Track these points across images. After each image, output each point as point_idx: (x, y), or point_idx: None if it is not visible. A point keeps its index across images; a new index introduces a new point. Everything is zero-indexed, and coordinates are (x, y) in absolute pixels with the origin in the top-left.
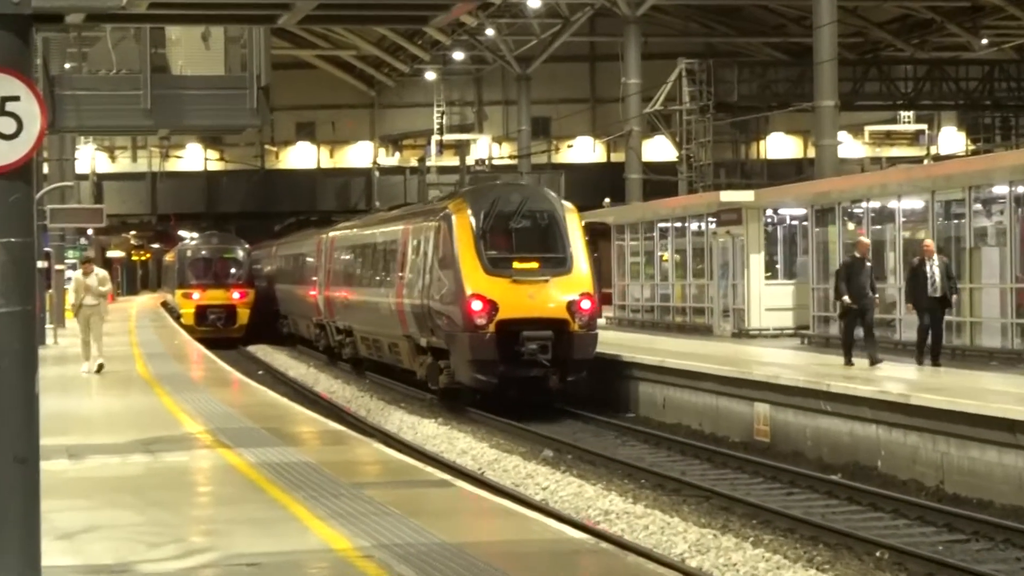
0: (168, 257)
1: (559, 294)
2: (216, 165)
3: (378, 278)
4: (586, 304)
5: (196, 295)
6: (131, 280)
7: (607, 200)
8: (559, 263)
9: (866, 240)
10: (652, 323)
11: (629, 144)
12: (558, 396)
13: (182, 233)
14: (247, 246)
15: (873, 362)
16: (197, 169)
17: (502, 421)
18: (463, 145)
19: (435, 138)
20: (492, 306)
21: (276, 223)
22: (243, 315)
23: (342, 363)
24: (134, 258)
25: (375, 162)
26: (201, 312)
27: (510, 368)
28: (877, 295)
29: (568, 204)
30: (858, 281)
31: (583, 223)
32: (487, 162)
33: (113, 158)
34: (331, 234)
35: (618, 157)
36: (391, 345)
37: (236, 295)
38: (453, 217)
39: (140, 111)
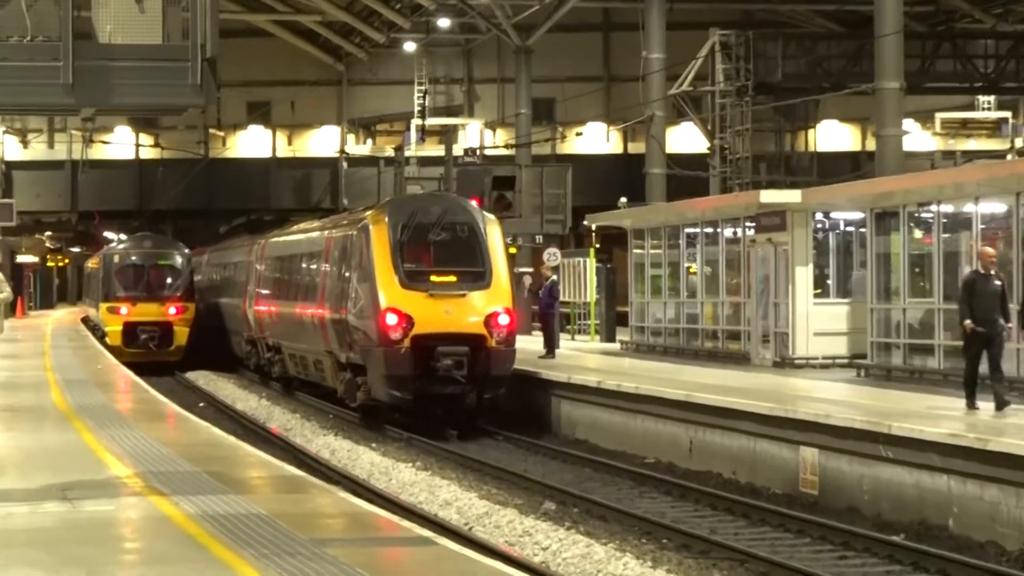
0: (91, 263)
1: (477, 309)
2: (150, 153)
3: (303, 291)
4: (504, 319)
5: (124, 310)
6: (46, 290)
7: (623, 200)
8: (477, 277)
9: (990, 250)
10: (677, 349)
11: (650, 132)
12: (476, 415)
13: (108, 235)
14: (187, 251)
15: (1000, 405)
16: (127, 158)
17: (493, 467)
18: (449, 131)
19: (415, 123)
20: (407, 320)
21: (222, 224)
22: (181, 334)
23: (299, 393)
24: (50, 264)
25: (343, 151)
26: (130, 330)
27: (425, 384)
28: (1010, 323)
29: (490, 216)
30: (983, 302)
31: (594, 226)
32: (478, 152)
33: (25, 143)
34: (262, 241)
35: (637, 148)
36: (316, 362)
37: (173, 310)
38: (371, 228)
39: (59, 86)
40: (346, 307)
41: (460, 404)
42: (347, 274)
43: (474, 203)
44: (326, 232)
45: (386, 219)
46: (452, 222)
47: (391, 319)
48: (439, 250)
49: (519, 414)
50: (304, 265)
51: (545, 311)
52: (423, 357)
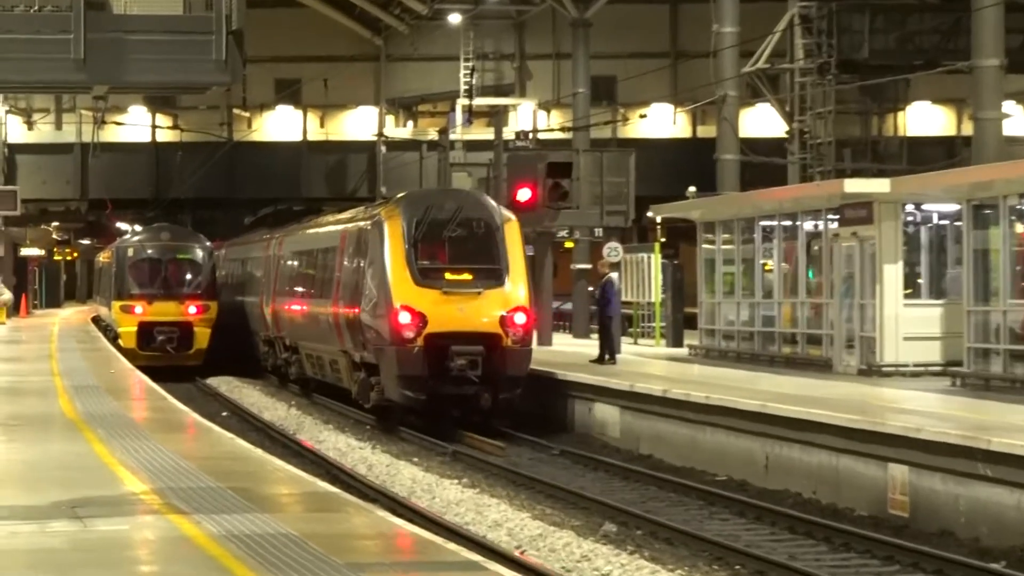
0: (103, 257)
1: (492, 308)
2: (168, 136)
3: (319, 288)
4: (520, 318)
5: (139, 308)
6: (52, 287)
7: (691, 189)
8: (493, 275)
9: None
10: (751, 355)
11: (722, 114)
12: (492, 416)
13: (122, 226)
14: (208, 244)
15: None
16: (142, 141)
17: (547, 484)
18: (499, 113)
19: (461, 103)
20: (421, 319)
21: (247, 214)
22: (201, 336)
23: (316, 395)
24: (57, 257)
25: (381, 134)
26: (146, 331)
27: (439, 384)
28: None
29: (508, 213)
30: None
31: (660, 218)
32: (531, 136)
33: (30, 124)
34: (279, 235)
35: (707, 131)
36: (331, 362)
37: (192, 309)
38: (384, 224)
39: (69, 62)
40: (360, 305)
41: (475, 405)
42: (360, 271)
43: (491, 199)
44: (340, 227)
45: (400, 214)
46: (468, 218)
47: (404, 317)
48: (454, 247)
49: (566, 424)
50: (319, 261)
51: (602, 312)
52: (437, 356)
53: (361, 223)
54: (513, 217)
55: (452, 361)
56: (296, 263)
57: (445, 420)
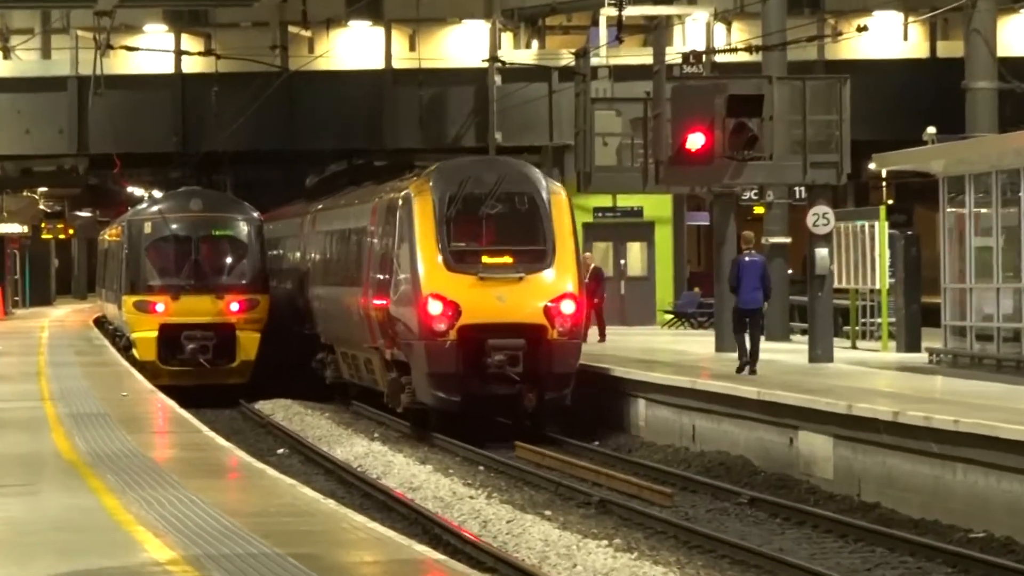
0: (109, 235)
1: (535, 295)
2: (198, 65)
3: (349, 274)
4: (568, 307)
5: (161, 306)
6: (39, 278)
7: (930, 130)
8: (537, 257)
9: None
10: (1017, 362)
11: (972, 25)
12: (537, 420)
13: (135, 191)
14: (256, 216)
15: None
16: (164, 72)
17: (733, 544)
18: (659, 26)
19: (607, 13)
20: (454, 309)
21: (310, 173)
22: (248, 343)
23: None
24: (46, 236)
25: (494, 58)
26: (171, 338)
27: (475, 384)
28: None
29: (557, 186)
30: None
31: (885, 171)
32: (704, 58)
33: (6, 51)
34: (314, 210)
35: (950, 49)
36: (366, 361)
37: (235, 306)
38: (413, 200)
39: None
40: (389, 294)
41: (517, 407)
42: (389, 254)
43: (536, 169)
44: (371, 202)
45: (431, 189)
46: (509, 192)
47: (434, 307)
48: (493, 226)
49: (754, 463)
50: (351, 242)
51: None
52: (473, 352)
53: (391, 198)
54: (562, 190)
55: (489, 357)
56: (328, 244)
57: (486, 427)
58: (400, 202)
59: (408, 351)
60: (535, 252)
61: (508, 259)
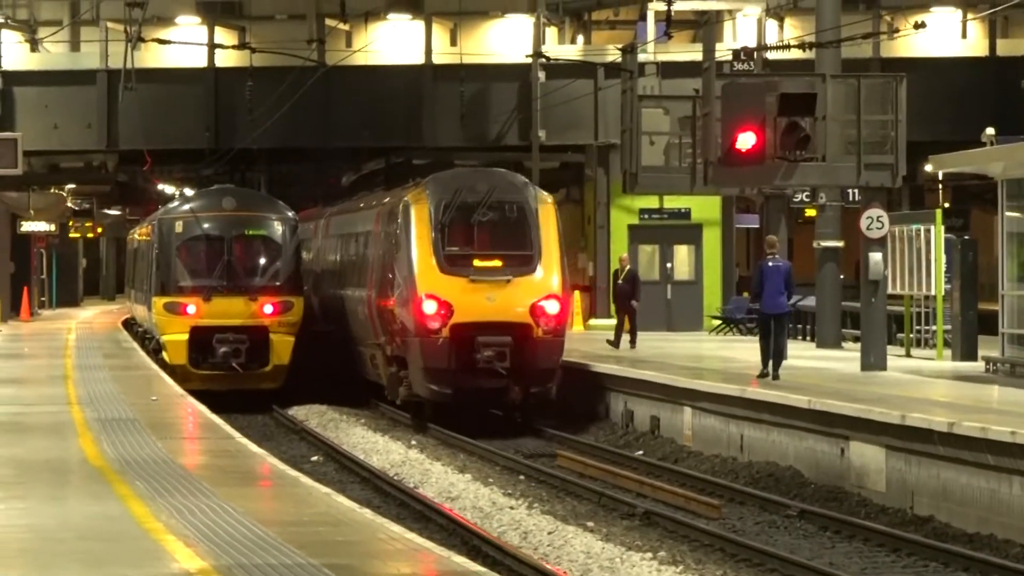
0: (139, 235)
1: (522, 296)
2: (232, 58)
3: (356, 276)
4: (552, 307)
5: (192, 308)
6: (67, 278)
7: (989, 131)
8: (525, 261)
9: None
10: None
11: None
12: (522, 411)
13: (166, 189)
14: (291, 215)
15: None
16: (196, 66)
17: (782, 558)
18: (710, 22)
19: (654, 7)
20: (447, 308)
21: (346, 171)
22: (281, 346)
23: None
24: (74, 235)
25: (539, 53)
26: (203, 341)
27: (466, 378)
28: None
29: (545, 195)
30: None
31: (942, 173)
32: (756, 55)
33: (34, 44)
34: (328, 213)
35: (1012, 47)
36: (371, 357)
37: (269, 308)
38: (411, 208)
39: None
40: (389, 294)
41: (505, 399)
42: (389, 257)
43: (526, 180)
44: (375, 209)
45: (427, 197)
46: (500, 201)
47: (429, 307)
48: (484, 232)
49: (804, 474)
50: (358, 245)
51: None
52: (464, 348)
53: (391, 205)
54: (550, 199)
55: (479, 353)
56: (340, 247)
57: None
58: (399, 209)
59: (405, 347)
60: (522, 257)
61: (498, 263)
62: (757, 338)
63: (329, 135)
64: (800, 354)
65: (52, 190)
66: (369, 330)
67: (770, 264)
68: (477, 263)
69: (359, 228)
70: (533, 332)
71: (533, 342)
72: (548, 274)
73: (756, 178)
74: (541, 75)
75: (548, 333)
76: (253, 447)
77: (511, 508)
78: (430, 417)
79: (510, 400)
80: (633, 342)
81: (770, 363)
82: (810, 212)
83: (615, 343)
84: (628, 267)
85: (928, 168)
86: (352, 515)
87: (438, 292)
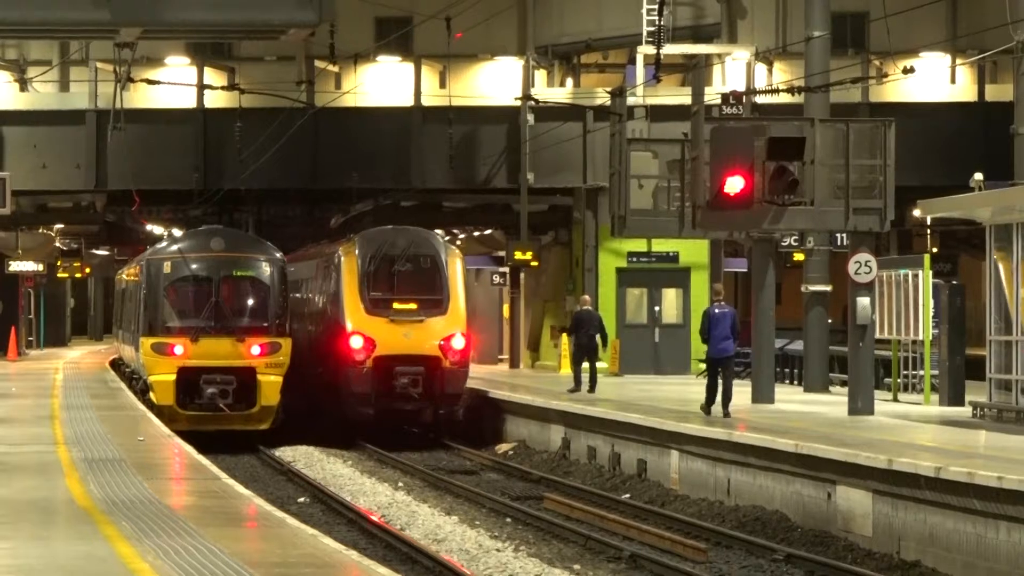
0: (127, 275)
1: (433, 333)
2: (221, 99)
3: (307, 314)
4: (458, 343)
5: (180, 348)
6: (55, 317)
7: (977, 176)
8: (435, 304)
9: None
10: None
11: (1022, 70)
12: (436, 429)
13: (155, 229)
14: (279, 256)
15: None
16: (185, 106)
17: None
18: (699, 66)
19: (644, 51)
20: (371, 343)
21: (336, 212)
22: (269, 388)
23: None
24: (62, 275)
25: (527, 96)
26: (190, 381)
27: (385, 401)
28: None
29: (453, 248)
30: None
31: (930, 218)
32: (745, 99)
33: (23, 83)
34: (290, 257)
35: (999, 93)
36: (321, 386)
37: (256, 349)
38: (343, 259)
39: None
40: (324, 330)
41: (418, 419)
42: (327, 299)
43: (439, 235)
44: (314, 260)
45: (356, 251)
46: (416, 254)
47: (356, 342)
48: (403, 280)
49: (791, 519)
50: (308, 287)
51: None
52: (384, 376)
53: (328, 256)
54: (458, 252)
55: (396, 380)
56: (300, 288)
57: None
58: (334, 260)
59: (336, 375)
60: (434, 300)
61: (413, 305)
62: (742, 380)
63: (318, 176)
64: (788, 398)
65: (40, 230)
66: (318, 363)
67: (716, 311)
68: (396, 305)
69: (306, 274)
70: (442, 363)
71: (442, 371)
72: (455, 315)
73: (744, 222)
74: (530, 118)
75: (455, 364)
76: (239, 488)
77: (497, 551)
78: (360, 435)
79: (423, 420)
80: (592, 386)
81: (717, 402)
82: (798, 256)
83: (575, 387)
84: (581, 307)
85: (916, 213)
86: (339, 557)
87: (364, 329)
